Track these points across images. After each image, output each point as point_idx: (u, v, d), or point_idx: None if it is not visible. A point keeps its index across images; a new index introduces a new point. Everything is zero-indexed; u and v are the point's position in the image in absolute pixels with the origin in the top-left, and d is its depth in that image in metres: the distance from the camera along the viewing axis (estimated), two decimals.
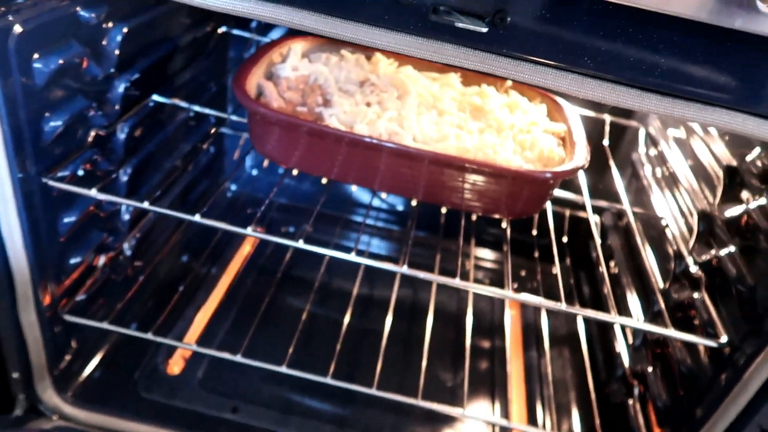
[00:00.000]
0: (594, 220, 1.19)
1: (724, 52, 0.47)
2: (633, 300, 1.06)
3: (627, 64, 0.51)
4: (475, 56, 0.53)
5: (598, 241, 0.93)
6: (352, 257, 0.75)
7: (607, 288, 0.90)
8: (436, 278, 0.78)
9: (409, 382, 1.02)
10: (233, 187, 1.43)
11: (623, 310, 1.06)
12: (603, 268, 0.88)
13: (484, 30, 0.50)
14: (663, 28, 0.47)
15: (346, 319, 1.06)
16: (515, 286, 1.33)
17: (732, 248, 0.76)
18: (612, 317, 0.75)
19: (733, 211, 0.77)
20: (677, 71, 0.50)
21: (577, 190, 1.03)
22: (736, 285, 0.72)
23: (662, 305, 0.82)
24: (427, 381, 0.95)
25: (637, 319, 0.99)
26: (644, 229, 1.08)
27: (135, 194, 0.97)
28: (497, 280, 1.34)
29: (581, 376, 1.08)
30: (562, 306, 0.75)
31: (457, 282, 0.76)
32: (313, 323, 1.12)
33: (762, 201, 0.72)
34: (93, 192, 0.75)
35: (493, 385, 1.08)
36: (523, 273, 1.36)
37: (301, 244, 0.75)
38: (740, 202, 0.77)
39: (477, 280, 1.33)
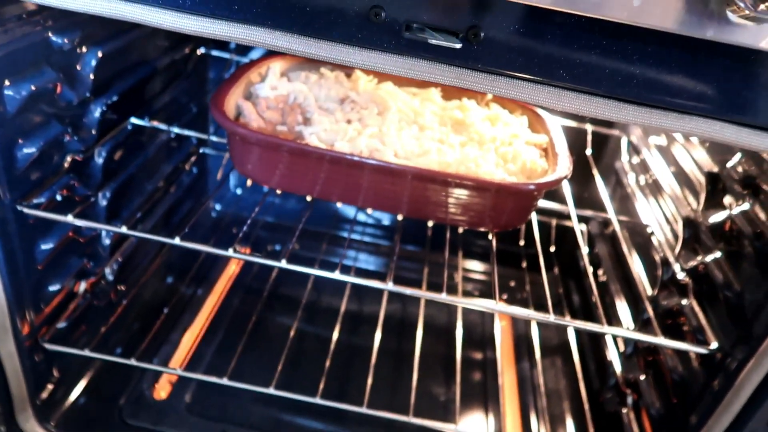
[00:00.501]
0: (581, 228, 1.19)
1: (698, 61, 0.47)
2: (623, 307, 1.06)
3: (603, 76, 0.50)
4: (450, 72, 0.53)
5: (584, 250, 0.93)
6: (336, 275, 0.74)
7: (596, 297, 0.89)
8: (422, 294, 0.77)
9: (401, 398, 1.00)
10: (218, 207, 1.41)
11: (613, 318, 1.05)
12: (591, 279, 0.87)
13: (458, 46, 0.50)
14: (637, 39, 0.47)
15: (335, 337, 1.04)
16: (505, 297, 1.32)
17: (718, 254, 0.76)
18: (601, 328, 0.75)
19: (716, 217, 0.77)
20: (653, 82, 0.49)
21: (563, 201, 1.03)
22: (724, 291, 0.72)
23: (651, 313, 0.82)
24: (419, 396, 0.94)
25: (627, 327, 0.99)
26: (631, 236, 1.07)
27: (116, 218, 0.95)
28: (487, 291, 1.34)
29: (574, 385, 1.08)
30: (551, 318, 0.75)
31: (443, 297, 0.75)
32: (301, 341, 1.11)
33: (745, 206, 0.72)
34: (69, 218, 0.73)
35: (486, 398, 1.07)
36: (512, 283, 1.36)
37: (284, 264, 0.74)
38: (723, 207, 0.77)
39: (466, 292, 1.32)
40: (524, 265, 1.34)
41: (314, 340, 1.12)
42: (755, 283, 0.66)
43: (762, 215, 0.68)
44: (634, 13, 0.42)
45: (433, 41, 0.49)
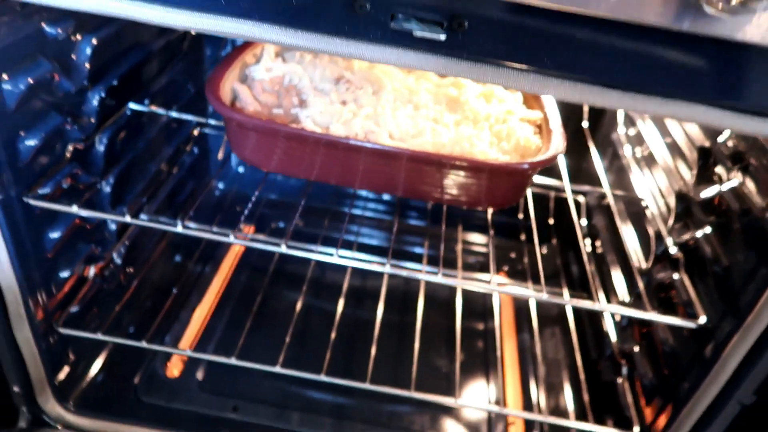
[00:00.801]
0: (579, 200, 1.20)
1: (680, 49, 0.48)
2: (619, 279, 1.07)
3: (587, 64, 0.51)
4: (436, 61, 0.53)
5: (577, 226, 0.94)
6: (335, 260, 0.76)
7: (590, 272, 0.91)
8: (421, 276, 0.79)
9: (404, 371, 1.03)
10: (221, 186, 1.43)
11: (609, 289, 1.07)
12: (585, 253, 0.89)
13: (443, 37, 0.50)
14: (619, 29, 0.47)
15: (339, 311, 1.07)
16: (505, 268, 1.35)
17: (708, 229, 0.77)
18: (593, 305, 0.77)
19: (707, 192, 0.78)
20: (636, 69, 0.50)
21: (560, 175, 1.04)
22: (713, 265, 0.73)
23: (642, 287, 0.84)
24: (422, 369, 0.97)
25: (621, 300, 1.00)
26: (627, 209, 1.08)
27: (120, 202, 0.97)
28: (488, 263, 1.35)
29: (573, 355, 1.10)
30: (544, 296, 0.77)
31: (439, 278, 0.77)
32: (307, 317, 1.14)
33: (734, 182, 0.73)
34: (74, 209, 0.75)
35: (487, 368, 1.10)
36: (513, 255, 1.38)
37: (284, 249, 0.76)
38: (714, 183, 0.77)
39: (468, 265, 1.34)
40: (523, 237, 1.36)
41: (319, 315, 1.15)
42: (742, 258, 0.68)
43: (750, 192, 0.69)
44: (612, 8, 0.43)
45: (418, 33, 0.50)
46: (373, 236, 1.39)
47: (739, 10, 0.39)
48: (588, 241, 1.24)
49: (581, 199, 1.31)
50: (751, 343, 0.65)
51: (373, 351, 0.95)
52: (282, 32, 0.54)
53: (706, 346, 0.71)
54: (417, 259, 1.33)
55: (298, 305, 1.08)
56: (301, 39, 0.54)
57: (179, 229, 0.74)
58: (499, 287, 0.77)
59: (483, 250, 1.39)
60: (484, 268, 1.34)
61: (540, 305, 1.20)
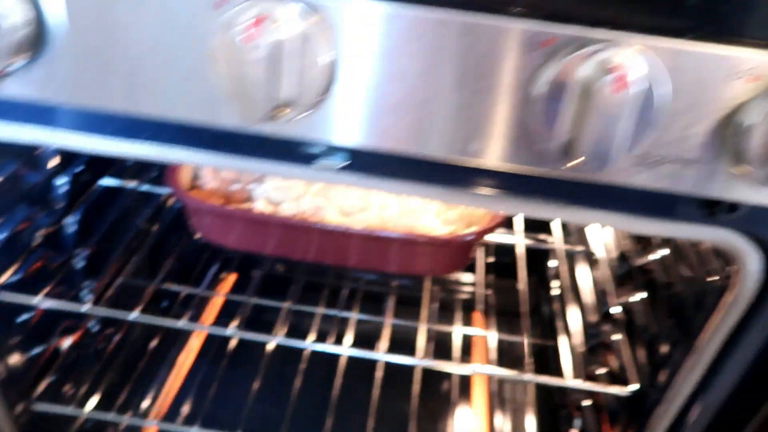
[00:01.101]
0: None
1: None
2: (577, 324, 1.10)
3: (482, 181, 0.55)
4: (348, 178, 0.57)
5: (522, 279, 0.98)
6: (291, 342, 0.81)
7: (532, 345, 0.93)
8: (379, 357, 0.83)
9: (366, 418, 1.06)
10: None
11: (570, 333, 1.10)
12: (524, 316, 0.92)
13: (344, 164, 0.54)
14: None
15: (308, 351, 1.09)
16: (481, 307, 1.37)
17: (643, 295, 0.80)
18: (549, 380, 0.80)
19: (641, 259, 0.81)
20: (526, 183, 0.54)
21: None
22: (643, 333, 0.76)
23: (578, 351, 0.87)
24: (385, 411, 1.00)
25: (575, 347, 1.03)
26: (585, 258, 1.11)
27: (97, 271, 1.02)
28: (463, 303, 1.37)
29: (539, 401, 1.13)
30: (507, 373, 0.80)
31: (398, 359, 0.81)
32: (283, 358, 1.16)
33: (662, 252, 0.76)
34: (36, 300, 0.80)
35: (454, 412, 1.14)
36: (489, 291, 1.40)
37: (236, 333, 0.81)
38: (649, 251, 0.80)
39: (441, 305, 1.37)
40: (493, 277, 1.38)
41: (292, 356, 1.16)
42: (666, 329, 0.71)
43: (673, 265, 0.72)
44: (473, 155, 0.47)
45: (322, 163, 0.54)
46: (352, 277, 1.41)
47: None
48: (556, 282, 1.27)
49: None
50: (673, 415, 0.68)
51: (334, 406, 0.98)
52: (205, 157, 0.59)
53: (637, 411, 0.74)
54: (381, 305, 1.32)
55: (272, 345, 1.09)
56: (223, 161, 0.59)
57: (134, 316, 0.79)
58: (461, 366, 0.81)
59: (457, 288, 1.41)
60: (467, 307, 1.35)
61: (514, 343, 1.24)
